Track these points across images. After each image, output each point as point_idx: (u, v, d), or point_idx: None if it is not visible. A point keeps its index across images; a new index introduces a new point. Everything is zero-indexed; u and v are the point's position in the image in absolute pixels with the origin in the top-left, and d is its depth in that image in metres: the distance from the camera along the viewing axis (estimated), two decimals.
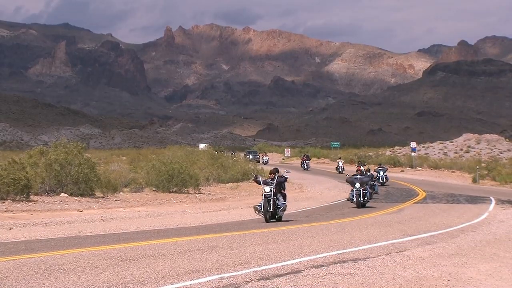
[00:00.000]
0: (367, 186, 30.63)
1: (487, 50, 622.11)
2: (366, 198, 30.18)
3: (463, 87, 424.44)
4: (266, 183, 22.64)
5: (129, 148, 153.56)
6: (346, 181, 31.82)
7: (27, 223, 20.76)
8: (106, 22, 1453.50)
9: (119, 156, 78.16)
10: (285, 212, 24.07)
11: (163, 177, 35.71)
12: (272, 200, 22.22)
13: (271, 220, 22.15)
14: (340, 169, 69.19)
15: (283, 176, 23.15)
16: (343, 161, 72.70)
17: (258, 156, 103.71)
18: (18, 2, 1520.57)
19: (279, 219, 22.71)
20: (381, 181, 47.79)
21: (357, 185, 29.85)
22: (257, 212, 22.43)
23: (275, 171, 23.30)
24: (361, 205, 29.70)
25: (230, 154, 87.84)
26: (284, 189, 23.24)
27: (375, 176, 50.72)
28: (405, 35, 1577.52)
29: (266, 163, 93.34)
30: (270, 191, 22.27)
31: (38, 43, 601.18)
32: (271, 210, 22.19)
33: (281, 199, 22.67)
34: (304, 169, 74.10)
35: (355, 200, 29.74)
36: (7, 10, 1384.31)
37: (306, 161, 76.99)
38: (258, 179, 23.22)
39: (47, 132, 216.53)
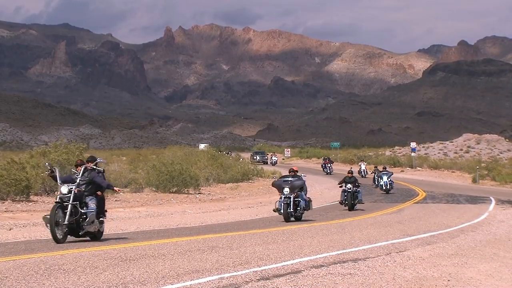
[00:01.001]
0: (302, 193, 23.38)
1: (487, 50, 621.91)
2: (299, 208, 23.00)
3: (463, 87, 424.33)
4: (67, 180, 15.27)
5: (129, 148, 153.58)
6: (272, 185, 25.15)
7: (27, 223, 20.77)
8: (106, 22, 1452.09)
9: (119, 156, 78.11)
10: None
11: (163, 178, 35.73)
12: (71, 206, 14.81)
13: (65, 240, 14.92)
14: (363, 172, 60.56)
15: (97, 170, 15.78)
16: (365, 163, 64.41)
17: (266, 157, 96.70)
18: (18, 2, 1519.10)
19: (94, 237, 15.50)
20: (384, 188, 40.98)
21: (286, 190, 22.74)
22: (48, 226, 14.75)
23: (90, 160, 16.04)
24: (291, 218, 22.69)
25: (235, 156, 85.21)
26: (103, 189, 15.77)
27: (376, 180, 45.15)
28: (405, 35, 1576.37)
29: (274, 164, 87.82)
30: (70, 192, 14.89)
31: (38, 43, 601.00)
32: (66, 222, 14.69)
33: (91, 205, 15.14)
34: (327, 173, 66.49)
35: (282, 211, 22.70)
36: (7, 10, 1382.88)
37: (329, 165, 68.74)
38: (54, 173, 15.41)
39: (47, 132, 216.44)
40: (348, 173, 30.35)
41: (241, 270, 11.50)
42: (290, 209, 22.57)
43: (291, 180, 23.31)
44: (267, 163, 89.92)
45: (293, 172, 24.17)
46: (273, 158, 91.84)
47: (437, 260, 13.71)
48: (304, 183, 24.07)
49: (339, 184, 30.35)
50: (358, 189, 29.55)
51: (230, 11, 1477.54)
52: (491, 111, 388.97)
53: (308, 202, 23.70)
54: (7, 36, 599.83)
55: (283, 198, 22.67)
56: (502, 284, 11.70)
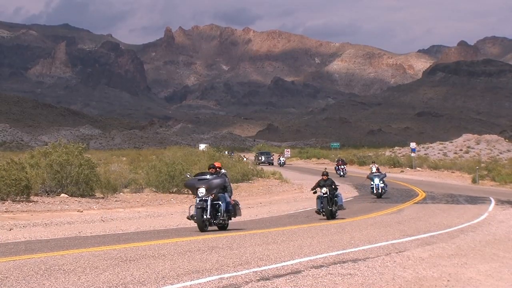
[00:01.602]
0: (225, 195, 18.95)
1: (487, 50, 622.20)
2: (219, 214, 18.61)
3: (463, 87, 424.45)
4: None
5: (129, 148, 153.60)
6: (185, 186, 22.02)
7: (27, 223, 20.77)
8: (106, 22, 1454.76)
9: (119, 157, 78.13)
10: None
11: (163, 178, 35.73)
12: None
13: None
14: None
15: None
16: (377, 165, 54.82)
17: (272, 158, 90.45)
18: (18, 2, 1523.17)
19: None
20: (375, 191, 36.08)
21: (201, 190, 18.25)
22: None
23: None
24: (208, 226, 18.39)
25: (241, 158, 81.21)
26: None
27: (372, 181, 38.47)
28: (405, 35, 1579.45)
29: (282, 165, 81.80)
30: None
31: (38, 44, 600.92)
32: None
33: None
34: (340, 176, 60.57)
35: (196, 218, 18.34)
36: (7, 11, 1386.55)
37: (342, 166, 63.42)
38: None
39: (47, 132, 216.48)
40: (323, 175, 25.10)
41: (241, 271, 11.50)
42: (206, 215, 18.16)
43: (208, 178, 18.52)
44: (273, 164, 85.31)
45: (214, 169, 19.29)
46: (281, 159, 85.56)
47: (436, 261, 13.72)
48: (226, 181, 19.18)
49: (312, 189, 25.31)
50: (337, 193, 24.68)
51: (229, 11, 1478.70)
52: (491, 111, 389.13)
53: (234, 206, 19.20)
54: (7, 37, 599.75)
55: (197, 202, 18.34)
56: (502, 284, 11.71)
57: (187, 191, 36.82)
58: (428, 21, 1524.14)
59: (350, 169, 78.53)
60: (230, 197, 19.23)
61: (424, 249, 15.52)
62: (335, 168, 65.71)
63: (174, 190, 36.11)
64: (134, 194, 34.35)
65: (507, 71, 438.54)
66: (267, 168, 66.31)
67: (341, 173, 62.36)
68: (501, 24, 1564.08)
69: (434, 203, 33.61)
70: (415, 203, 33.73)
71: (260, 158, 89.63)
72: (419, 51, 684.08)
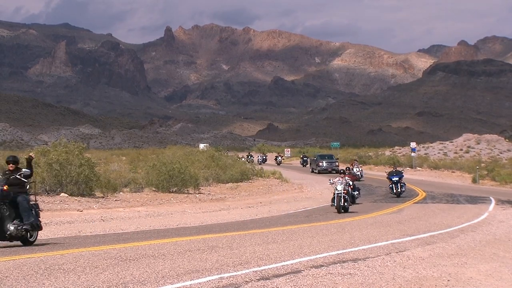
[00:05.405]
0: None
1: (487, 50, 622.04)
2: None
3: (463, 87, 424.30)
4: None
5: (129, 148, 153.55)
6: None
7: None
8: (106, 22, 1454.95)
9: (119, 156, 78.09)
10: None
11: (163, 177, 35.69)
12: None
13: None
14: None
15: None
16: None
17: (337, 164, 64.31)
18: (18, 2, 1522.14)
19: None
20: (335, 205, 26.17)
21: None
22: None
23: None
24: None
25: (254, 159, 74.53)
26: None
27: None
28: (405, 35, 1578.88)
29: (360, 178, 49.86)
30: None
31: (38, 43, 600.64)
32: None
33: None
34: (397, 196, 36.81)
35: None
36: (7, 10, 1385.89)
37: (399, 183, 37.27)
38: None
39: (47, 132, 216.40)
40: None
41: (241, 270, 11.50)
42: None
43: None
44: (337, 172, 53.04)
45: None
46: (356, 168, 51.27)
47: (437, 260, 13.71)
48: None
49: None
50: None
51: (229, 11, 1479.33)
52: (491, 111, 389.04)
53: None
54: (7, 36, 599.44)
55: None
56: (502, 284, 11.70)
57: (187, 190, 36.83)
58: (428, 21, 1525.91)
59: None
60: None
61: (424, 248, 15.51)
62: (390, 186, 38.14)
63: (174, 190, 36.10)
64: (134, 193, 34.32)
65: (507, 71, 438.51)
66: (267, 168, 66.18)
67: (398, 190, 37.31)
68: (501, 24, 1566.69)
69: (434, 203, 33.59)
70: (415, 202, 33.71)
71: (320, 164, 64.53)
72: (419, 50, 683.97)
